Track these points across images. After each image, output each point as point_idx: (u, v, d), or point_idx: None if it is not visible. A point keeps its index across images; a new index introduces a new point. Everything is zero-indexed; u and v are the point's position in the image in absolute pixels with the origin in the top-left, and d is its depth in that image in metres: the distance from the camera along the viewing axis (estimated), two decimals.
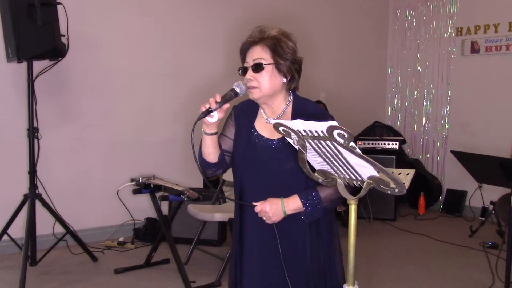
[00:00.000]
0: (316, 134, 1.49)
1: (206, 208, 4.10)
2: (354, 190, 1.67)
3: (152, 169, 4.55)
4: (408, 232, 5.26)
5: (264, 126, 2.04)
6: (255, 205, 1.92)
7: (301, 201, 1.90)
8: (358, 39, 6.44)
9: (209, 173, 2.08)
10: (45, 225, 4.19)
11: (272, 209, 1.89)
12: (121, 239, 4.68)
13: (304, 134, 1.52)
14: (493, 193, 5.45)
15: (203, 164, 2.05)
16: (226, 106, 1.93)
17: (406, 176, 1.53)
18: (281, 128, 1.57)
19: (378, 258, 4.43)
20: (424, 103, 6.40)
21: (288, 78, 1.99)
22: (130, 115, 4.90)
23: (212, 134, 1.98)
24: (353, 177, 1.60)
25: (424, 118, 6.42)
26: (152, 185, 3.77)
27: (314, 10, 6.03)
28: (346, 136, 1.41)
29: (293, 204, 1.90)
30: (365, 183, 1.57)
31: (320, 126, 1.43)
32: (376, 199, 5.46)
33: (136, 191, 3.83)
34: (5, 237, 3.93)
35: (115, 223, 4.80)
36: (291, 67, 1.98)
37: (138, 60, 4.91)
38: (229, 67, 5.40)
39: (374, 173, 1.53)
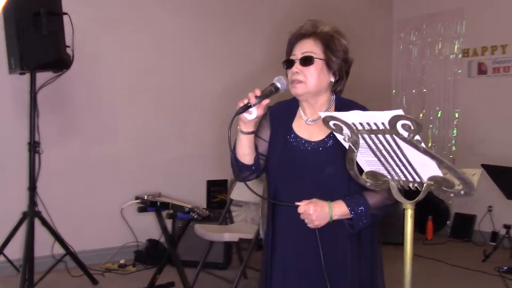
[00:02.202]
0: (374, 127, 1.34)
1: (213, 228, 3.92)
2: (404, 195, 1.52)
3: (155, 188, 4.37)
4: (419, 257, 5.08)
5: (303, 128, 1.90)
6: (298, 205, 1.75)
7: (348, 207, 1.74)
8: (362, 60, 6.29)
9: (242, 177, 1.92)
10: (44, 245, 3.97)
11: (317, 212, 1.73)
12: (122, 261, 4.47)
13: (360, 127, 1.37)
14: (504, 216, 5.33)
15: (236, 167, 1.89)
16: (266, 101, 1.78)
17: (472, 176, 1.37)
18: (331, 122, 1.42)
19: (395, 283, 4.24)
20: (430, 125, 6.30)
21: (336, 78, 1.88)
22: (133, 132, 4.75)
23: (249, 133, 1.84)
24: (410, 178, 1.44)
25: (430, 140, 6.31)
26: (158, 203, 3.59)
27: None
28: (413, 127, 1.26)
29: (339, 209, 1.75)
30: (424, 185, 1.42)
31: (382, 117, 1.28)
32: (383, 224, 5.27)
33: (141, 209, 3.63)
34: (1, 257, 3.71)
35: (115, 244, 4.60)
36: (342, 66, 1.87)
37: (141, 76, 4.79)
38: (233, 82, 5.29)
39: (437, 172, 1.37)
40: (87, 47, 4.26)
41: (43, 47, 3.54)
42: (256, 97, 1.75)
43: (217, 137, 5.21)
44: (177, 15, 4.97)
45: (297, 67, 1.83)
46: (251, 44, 5.38)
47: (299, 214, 1.76)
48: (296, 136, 1.88)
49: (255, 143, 1.89)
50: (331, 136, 1.80)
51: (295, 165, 1.85)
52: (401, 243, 5.91)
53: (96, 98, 4.55)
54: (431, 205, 5.92)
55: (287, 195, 1.85)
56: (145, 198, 3.64)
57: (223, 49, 5.23)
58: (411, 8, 6.43)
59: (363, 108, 1.82)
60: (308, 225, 1.76)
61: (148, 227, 4.53)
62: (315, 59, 1.82)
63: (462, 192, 1.37)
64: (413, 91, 6.46)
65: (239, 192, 4.14)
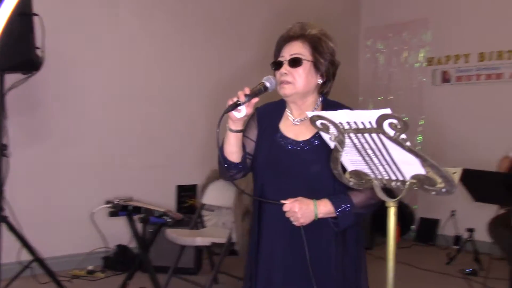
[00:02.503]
0: (361, 126, 1.37)
1: (185, 232, 3.90)
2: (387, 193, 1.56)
3: (124, 193, 4.31)
4: (383, 260, 5.17)
5: (290, 128, 1.93)
6: (284, 203, 1.77)
7: (333, 205, 1.77)
8: None
9: (229, 175, 1.92)
10: (10, 251, 3.85)
11: (302, 210, 1.75)
12: (90, 267, 4.38)
13: (347, 126, 1.40)
14: (467, 220, 5.48)
15: (223, 165, 1.90)
16: (255, 100, 1.80)
17: (453, 174, 1.42)
18: (318, 122, 1.45)
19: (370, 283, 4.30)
20: None
21: (324, 80, 1.92)
22: (103, 136, 4.68)
23: (237, 131, 1.85)
24: (394, 177, 1.49)
25: None
26: (130, 207, 3.54)
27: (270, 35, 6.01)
28: (399, 126, 1.30)
29: (325, 207, 1.77)
30: (407, 183, 1.46)
31: (369, 116, 1.32)
32: None
33: (112, 214, 3.58)
34: None
35: (84, 250, 4.51)
36: (329, 68, 1.91)
37: (112, 79, 4.74)
38: (205, 88, 5.29)
39: (420, 171, 1.42)
40: (57, 49, 4.18)
41: (13, 48, 3.44)
42: (246, 95, 1.77)
43: (187, 142, 5.21)
44: (149, 17, 4.95)
45: (285, 68, 1.86)
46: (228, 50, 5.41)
47: (285, 212, 1.77)
48: (283, 136, 1.91)
49: (242, 142, 1.90)
50: (317, 136, 1.83)
51: (281, 164, 1.87)
52: (366, 248, 6.04)
53: (66, 101, 4.47)
54: (397, 210, 6.03)
55: (273, 194, 1.86)
56: (116, 202, 3.59)
57: (200, 54, 5.23)
58: (378, 17, 6.58)
59: (349, 109, 1.84)
60: (293, 223, 1.78)
61: (117, 232, 4.46)
62: (303, 61, 1.85)
63: (443, 190, 1.42)
64: (379, 98, 6.59)
65: (211, 197, 4.14)
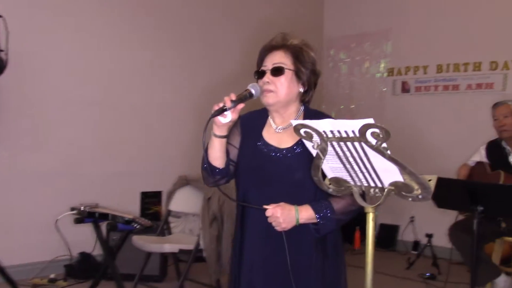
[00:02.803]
0: (344, 135, 1.42)
1: (153, 239, 3.88)
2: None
3: (86, 199, 4.23)
4: (348, 266, 5.26)
5: (272, 135, 1.97)
6: (266, 209, 1.81)
7: (314, 211, 1.82)
8: None
9: (212, 181, 1.95)
10: None
11: (284, 215, 1.79)
12: (52, 275, 4.28)
13: (330, 135, 1.45)
14: (425, 226, 5.66)
15: (208, 171, 1.92)
16: (241, 106, 1.83)
17: (429, 182, 1.49)
18: (302, 130, 1.50)
19: None
20: None
21: (305, 89, 1.96)
22: (65, 142, 4.58)
23: (222, 136, 1.87)
24: (373, 184, 1.54)
25: None
26: (96, 214, 3.50)
27: (245, 45, 6.07)
28: (381, 135, 1.36)
29: (306, 213, 1.82)
30: (386, 190, 1.52)
31: (353, 125, 1.37)
32: None
33: (78, 221, 3.52)
34: None
35: (44, 258, 4.40)
36: (310, 77, 1.95)
37: (75, 86, 4.65)
38: (166, 95, 5.28)
39: (399, 178, 1.48)
40: (18, 51, 4.09)
41: None
42: (232, 101, 1.80)
43: (151, 149, 5.18)
44: (116, 20, 4.91)
45: (268, 77, 1.91)
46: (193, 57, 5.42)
47: (267, 217, 1.81)
48: (266, 143, 1.95)
49: (226, 148, 1.92)
50: (299, 143, 1.87)
51: (264, 170, 1.91)
52: None
53: (27, 106, 4.36)
54: (358, 217, 6.09)
55: (256, 200, 1.89)
56: (82, 209, 3.53)
57: (164, 61, 5.22)
58: (340, 27, 6.72)
59: (331, 118, 1.90)
60: (275, 228, 1.82)
61: (80, 240, 4.38)
62: (285, 70, 1.90)
63: (420, 197, 1.49)
64: (342, 107, 6.73)
65: (178, 203, 4.13)
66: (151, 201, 5.20)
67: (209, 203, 3.82)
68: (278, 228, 1.82)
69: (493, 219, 3.38)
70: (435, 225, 5.47)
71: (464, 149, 4.80)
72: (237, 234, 1.98)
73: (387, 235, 6.17)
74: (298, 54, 1.92)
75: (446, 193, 2.81)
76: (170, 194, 4.21)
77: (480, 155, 4.01)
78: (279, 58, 1.92)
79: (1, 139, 4.22)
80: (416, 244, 5.81)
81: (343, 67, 6.73)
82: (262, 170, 1.91)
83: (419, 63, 6.00)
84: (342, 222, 1.89)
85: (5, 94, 4.19)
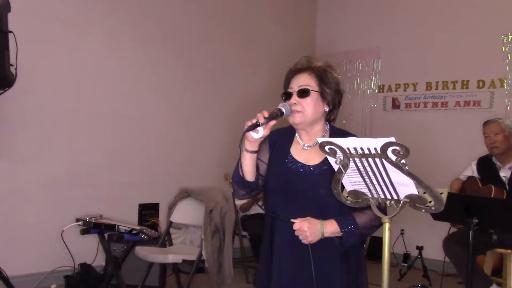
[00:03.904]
0: (366, 152, 1.56)
1: (156, 250, 3.96)
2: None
3: (87, 211, 4.31)
4: None
5: (300, 152, 2.08)
6: (294, 222, 1.92)
7: (338, 226, 1.92)
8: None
9: (242, 193, 2.06)
10: None
11: (311, 228, 1.90)
12: (52, 286, 4.34)
13: (353, 152, 1.59)
14: (414, 239, 5.82)
15: (239, 183, 2.03)
16: (272, 123, 1.94)
17: (441, 195, 1.64)
18: (327, 147, 1.63)
19: None
20: None
21: (330, 108, 2.08)
22: (65, 155, 4.66)
23: (253, 151, 1.98)
24: (389, 197, 1.68)
25: None
26: (102, 225, 3.59)
27: (239, 63, 6.23)
28: (402, 152, 1.50)
29: (331, 227, 1.92)
30: (401, 202, 1.66)
31: (375, 143, 1.51)
32: None
33: (84, 232, 3.61)
34: None
35: (45, 269, 4.45)
36: (334, 97, 2.07)
37: (78, 98, 4.74)
38: (171, 109, 5.40)
39: (414, 191, 1.62)
40: (24, 66, 4.18)
41: None
42: (264, 117, 1.91)
43: (149, 161, 5.27)
44: (119, 39, 5.01)
45: (295, 98, 2.03)
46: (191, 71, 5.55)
47: (294, 230, 1.92)
48: (294, 160, 2.06)
49: (256, 163, 2.03)
50: (326, 161, 1.98)
51: (292, 186, 2.02)
52: None
53: (31, 118, 4.45)
54: None
55: (284, 213, 2.00)
56: (88, 220, 3.62)
57: (165, 76, 5.34)
58: (332, 45, 6.91)
59: (354, 136, 2.02)
60: (302, 241, 1.93)
61: (80, 251, 4.42)
62: (311, 91, 2.02)
63: (433, 208, 1.63)
64: (333, 122, 6.87)
65: (180, 215, 4.23)
66: (148, 212, 5.27)
67: (211, 215, 3.93)
68: (304, 241, 1.93)
69: (485, 231, 3.53)
70: (424, 238, 5.63)
71: (453, 164, 4.99)
72: (266, 246, 2.09)
73: (377, 248, 6.30)
74: (322, 76, 2.04)
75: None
76: (172, 206, 4.31)
77: (472, 170, 4.18)
78: (304, 80, 2.04)
79: (6, 150, 4.28)
80: (406, 256, 5.96)
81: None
82: (290, 186, 2.02)
83: (409, 80, 6.21)
84: (364, 237, 2.02)
85: (9, 106, 4.27)
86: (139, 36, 5.16)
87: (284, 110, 1.98)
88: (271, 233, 2.07)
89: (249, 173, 2.01)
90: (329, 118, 2.13)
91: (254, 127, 1.90)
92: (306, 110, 2.02)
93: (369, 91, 6.59)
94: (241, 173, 2.00)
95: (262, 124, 1.91)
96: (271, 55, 6.34)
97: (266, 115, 1.92)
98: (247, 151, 1.98)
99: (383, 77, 6.45)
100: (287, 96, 2.06)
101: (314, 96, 2.03)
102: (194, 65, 5.61)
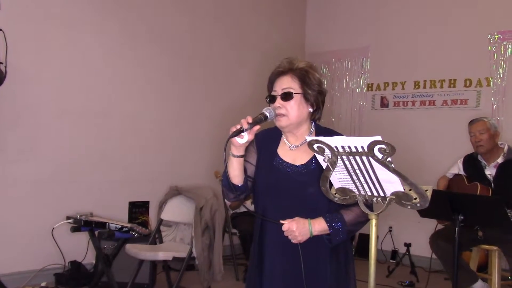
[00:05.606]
0: (354, 150, 1.60)
1: (146, 247, 3.98)
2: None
3: (76, 209, 4.32)
4: None
5: (287, 153, 2.11)
6: (283, 223, 1.95)
7: (327, 223, 1.96)
8: None
9: (232, 197, 2.09)
10: None
11: (299, 228, 1.94)
12: (43, 284, 4.34)
13: (341, 150, 1.63)
14: (402, 236, 5.89)
15: (228, 187, 2.06)
16: (257, 127, 1.97)
17: (426, 192, 1.68)
18: (315, 145, 1.67)
19: None
20: None
21: (314, 108, 2.11)
22: (57, 153, 4.65)
23: (239, 156, 2.01)
24: (375, 194, 1.72)
25: None
26: (93, 223, 3.60)
27: (230, 62, 6.27)
28: (388, 151, 1.54)
29: (319, 225, 1.96)
30: (388, 199, 1.70)
31: (362, 142, 1.55)
32: None
33: (75, 229, 3.63)
34: None
35: (35, 267, 4.44)
36: (318, 98, 2.10)
37: (69, 96, 4.73)
38: (162, 107, 5.42)
39: (400, 188, 1.66)
40: (13, 63, 4.17)
41: None
42: (248, 123, 1.93)
43: (139, 159, 5.28)
44: (106, 36, 5.02)
45: (279, 102, 2.05)
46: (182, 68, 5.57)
47: (283, 231, 1.96)
48: (282, 160, 2.09)
49: (244, 166, 2.06)
50: (313, 161, 2.03)
51: (280, 186, 2.05)
52: None
53: (20, 116, 4.43)
54: None
55: (274, 214, 2.03)
56: (78, 218, 3.63)
57: (156, 73, 5.36)
58: (321, 44, 6.96)
59: (340, 135, 2.07)
60: (291, 240, 1.97)
61: (70, 249, 4.45)
62: (294, 94, 2.05)
63: (418, 205, 1.67)
64: (322, 120, 6.92)
65: (170, 213, 4.25)
66: (138, 210, 5.30)
67: (202, 212, 3.96)
68: (294, 241, 1.97)
69: (471, 228, 3.59)
70: (412, 235, 5.71)
71: (440, 162, 5.05)
72: (255, 246, 2.12)
73: (366, 245, 6.34)
74: (304, 78, 2.06)
75: (429, 203, 3.01)
76: (162, 204, 4.33)
77: (458, 168, 4.24)
78: (287, 83, 2.06)
79: None
80: (394, 253, 6.03)
81: (324, 82, 6.92)
82: (278, 186, 2.05)
83: (397, 79, 6.28)
84: (352, 233, 2.04)
85: (1, 104, 4.26)
86: (129, 35, 5.16)
87: (268, 115, 2.01)
88: (261, 233, 2.11)
89: (237, 177, 2.04)
90: (314, 117, 2.16)
91: (238, 133, 1.92)
92: (290, 113, 2.05)
93: (358, 89, 6.65)
94: (229, 178, 2.04)
95: (246, 130, 1.93)
96: (261, 54, 6.37)
97: (250, 120, 1.94)
98: (234, 156, 2.01)
99: (372, 76, 6.52)
100: (272, 99, 2.08)
101: (297, 99, 2.05)
102: (184, 64, 5.63)
